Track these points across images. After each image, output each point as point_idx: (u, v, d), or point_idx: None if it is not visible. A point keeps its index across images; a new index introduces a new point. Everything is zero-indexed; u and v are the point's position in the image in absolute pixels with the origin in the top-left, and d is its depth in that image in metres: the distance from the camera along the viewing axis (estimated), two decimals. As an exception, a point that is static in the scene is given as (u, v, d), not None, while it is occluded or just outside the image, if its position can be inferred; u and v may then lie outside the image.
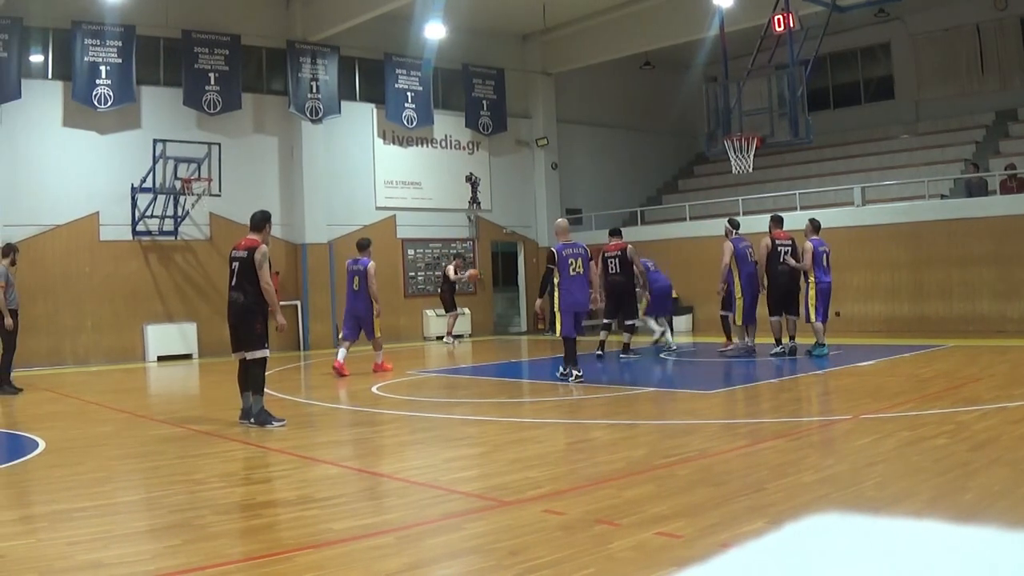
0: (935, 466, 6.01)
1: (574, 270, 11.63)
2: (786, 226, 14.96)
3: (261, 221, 9.18)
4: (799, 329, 14.07)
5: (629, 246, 14.84)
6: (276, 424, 8.83)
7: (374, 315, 14.05)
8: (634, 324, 15.31)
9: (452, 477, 6.51)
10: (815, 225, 14.05)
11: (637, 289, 15.30)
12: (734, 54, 16.65)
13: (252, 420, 8.93)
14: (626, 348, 15.02)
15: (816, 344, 13.51)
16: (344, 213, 20.84)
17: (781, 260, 13.62)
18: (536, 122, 24.47)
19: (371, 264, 14.02)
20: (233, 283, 9.00)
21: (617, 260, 14.62)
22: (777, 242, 13.69)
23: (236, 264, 8.97)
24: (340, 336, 14.67)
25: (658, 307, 16.31)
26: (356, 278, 14.06)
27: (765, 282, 13.88)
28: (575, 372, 11.62)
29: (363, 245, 14.51)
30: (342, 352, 14.22)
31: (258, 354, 9.02)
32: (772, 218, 14.25)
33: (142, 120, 18.33)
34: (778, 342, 13.77)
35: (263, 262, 8.86)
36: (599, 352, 14.81)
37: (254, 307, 8.96)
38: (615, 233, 15.33)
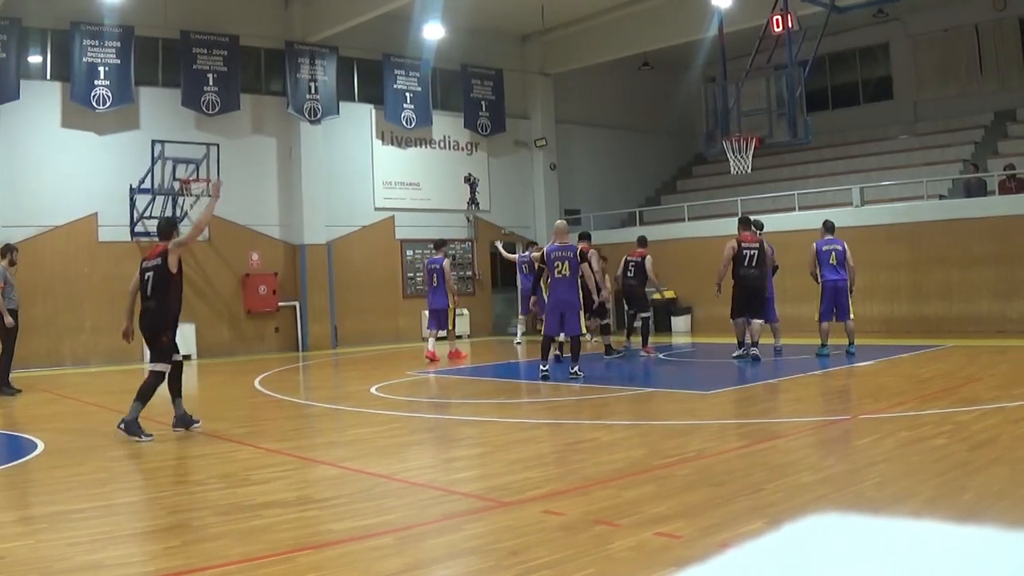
0: (934, 466, 6.01)
1: (560, 272, 11.83)
2: (783, 226, 14.99)
3: (168, 228, 8.91)
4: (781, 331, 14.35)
5: (648, 256, 15.47)
6: (145, 439, 8.23)
7: (449, 307, 15.78)
8: (648, 317, 15.98)
9: (452, 478, 6.51)
10: (826, 226, 13.95)
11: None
12: (733, 55, 16.65)
13: (122, 426, 8.39)
14: (644, 341, 15.80)
15: (821, 345, 13.55)
16: (343, 214, 20.84)
17: (746, 263, 13.31)
18: (535, 123, 24.46)
19: (446, 261, 15.97)
20: (148, 293, 8.74)
21: (634, 266, 15.42)
22: (743, 245, 13.36)
23: (150, 274, 8.74)
24: (426, 328, 16.35)
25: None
26: (434, 275, 15.85)
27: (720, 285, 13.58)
28: (542, 367, 12.10)
29: (439, 244, 16.57)
30: (431, 342, 15.83)
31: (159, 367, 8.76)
32: (740, 220, 13.97)
33: (140, 121, 18.31)
34: (740, 344, 13.61)
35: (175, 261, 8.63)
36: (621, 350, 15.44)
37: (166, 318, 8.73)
38: (642, 243, 15.89)
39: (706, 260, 15.73)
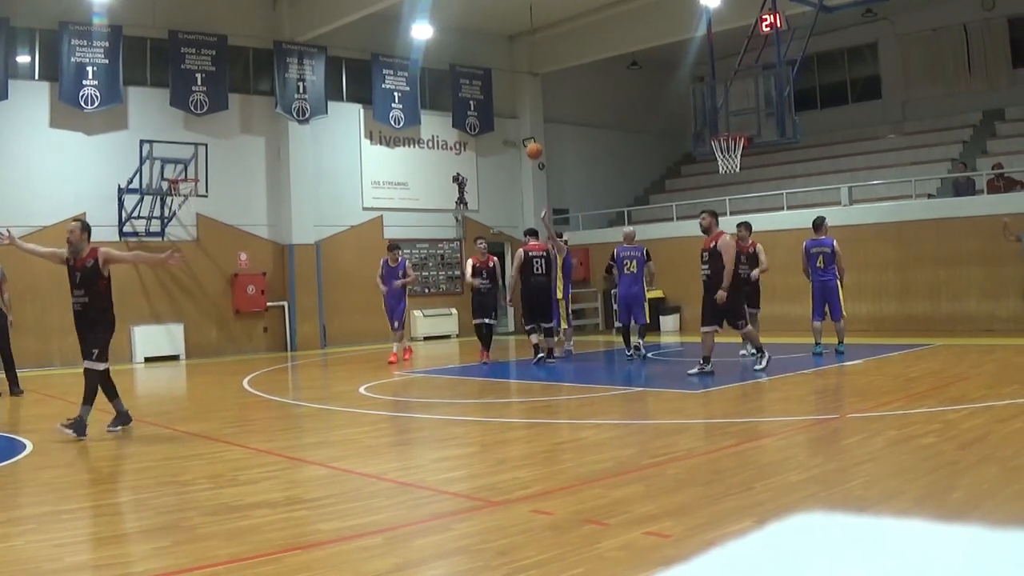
0: (923, 465, 6.03)
1: (628, 269, 14.07)
2: (771, 225, 14.84)
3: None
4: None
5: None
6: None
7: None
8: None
9: (440, 477, 6.50)
10: (814, 224, 13.86)
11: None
12: (721, 54, 16.67)
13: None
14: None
15: (815, 343, 13.62)
16: (331, 214, 20.80)
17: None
18: (523, 122, 24.45)
19: (406, 264, 17.08)
20: None
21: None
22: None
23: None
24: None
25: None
26: None
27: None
28: (626, 353, 14.25)
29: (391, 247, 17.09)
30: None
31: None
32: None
33: (129, 121, 18.24)
34: (759, 350, 12.14)
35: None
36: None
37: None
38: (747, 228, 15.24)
39: (695, 259, 15.68)
